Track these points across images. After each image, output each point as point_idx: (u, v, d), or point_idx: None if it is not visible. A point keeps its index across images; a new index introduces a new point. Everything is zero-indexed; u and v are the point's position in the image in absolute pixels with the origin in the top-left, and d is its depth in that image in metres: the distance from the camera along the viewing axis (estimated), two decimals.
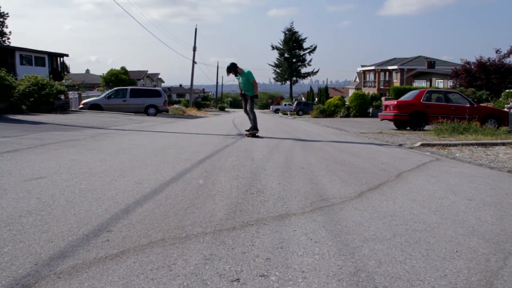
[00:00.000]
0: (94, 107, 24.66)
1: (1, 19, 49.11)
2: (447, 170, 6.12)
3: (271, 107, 73.78)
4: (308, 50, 78.47)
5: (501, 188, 4.88)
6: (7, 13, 49.72)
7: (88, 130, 11.26)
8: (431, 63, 47.35)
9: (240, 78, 11.53)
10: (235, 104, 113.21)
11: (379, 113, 19.24)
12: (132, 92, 25.70)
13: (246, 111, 11.84)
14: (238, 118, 30.39)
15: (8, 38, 49.16)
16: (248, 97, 11.63)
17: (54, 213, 3.25)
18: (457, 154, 7.96)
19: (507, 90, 28.19)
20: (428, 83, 42.67)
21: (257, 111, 55.68)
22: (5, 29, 49.33)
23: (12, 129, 10.17)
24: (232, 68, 11.42)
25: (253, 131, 11.43)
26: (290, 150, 8.07)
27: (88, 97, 29.15)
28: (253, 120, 11.53)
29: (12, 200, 3.59)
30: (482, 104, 21.47)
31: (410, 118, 16.00)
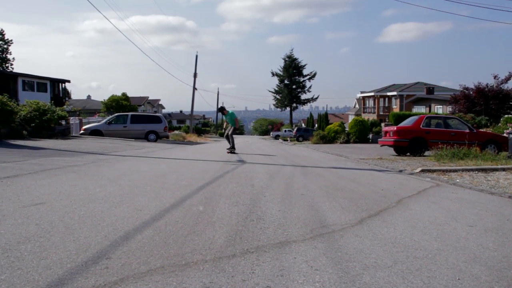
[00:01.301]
0: (94, 132, 24.74)
1: (5, 46, 49.80)
2: (447, 196, 6.10)
3: (271, 133, 74.03)
4: (308, 77, 79.24)
5: (502, 214, 4.86)
6: (11, 40, 50.49)
7: (88, 156, 11.27)
8: (430, 89, 47.73)
9: (227, 117, 16.92)
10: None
11: (379, 139, 19.28)
12: (133, 118, 25.83)
13: (226, 136, 16.80)
14: (238, 144, 30.44)
15: (11, 64, 49.77)
16: (231, 127, 16.71)
17: (53, 240, 3.23)
18: (457, 180, 7.95)
19: (506, 116, 28.32)
20: (428, 109, 42.91)
21: (257, 137, 56.98)
22: (8, 56, 49.99)
23: (13, 154, 10.18)
24: (221, 110, 17.38)
25: (232, 149, 16.09)
26: (290, 177, 8.06)
27: (89, 122, 29.30)
28: (232, 142, 16.25)
29: (11, 226, 3.58)
30: (482, 130, 21.54)
31: (410, 144, 16.03)
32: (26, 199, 4.74)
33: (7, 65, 49.22)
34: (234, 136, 16.41)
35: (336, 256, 3.08)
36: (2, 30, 49.78)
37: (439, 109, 40.97)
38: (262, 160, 12.12)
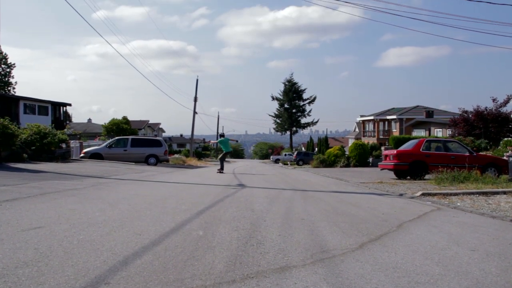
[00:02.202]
0: (95, 156, 24.76)
1: (8, 70, 50.25)
2: (449, 220, 6.07)
3: (271, 157, 74.00)
4: (307, 101, 79.71)
5: (504, 238, 4.82)
6: (14, 64, 50.96)
7: (88, 179, 11.25)
8: (429, 112, 47.94)
9: (223, 142, 20.60)
10: (235, 155, 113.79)
11: (379, 163, 19.28)
12: (133, 142, 25.89)
13: (220, 158, 20.95)
14: (238, 168, 30.39)
15: (14, 88, 50.12)
16: (224, 152, 20.85)
17: (51, 264, 3.20)
18: (458, 204, 7.91)
19: (505, 139, 28.35)
20: (427, 132, 43.02)
21: (257, 161, 57.85)
22: (11, 79, 50.39)
23: (12, 178, 10.17)
24: (221, 136, 21.03)
25: (221, 170, 19.83)
26: (290, 201, 8.03)
27: (89, 146, 29.34)
28: (222, 164, 20.36)
29: (9, 250, 3.55)
30: (481, 153, 21.55)
31: (410, 168, 16.03)
32: (25, 222, 4.72)
33: (9, 88, 49.58)
34: (231, 159, 17.93)
35: (337, 282, 3.04)
36: (5, 54, 50.33)
37: (438, 133, 41.08)
38: (262, 184, 12.09)
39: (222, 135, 20.99)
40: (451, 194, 9.30)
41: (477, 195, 9.26)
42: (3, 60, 50.06)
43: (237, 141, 34.96)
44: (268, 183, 12.88)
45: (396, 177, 16.67)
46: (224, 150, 20.76)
